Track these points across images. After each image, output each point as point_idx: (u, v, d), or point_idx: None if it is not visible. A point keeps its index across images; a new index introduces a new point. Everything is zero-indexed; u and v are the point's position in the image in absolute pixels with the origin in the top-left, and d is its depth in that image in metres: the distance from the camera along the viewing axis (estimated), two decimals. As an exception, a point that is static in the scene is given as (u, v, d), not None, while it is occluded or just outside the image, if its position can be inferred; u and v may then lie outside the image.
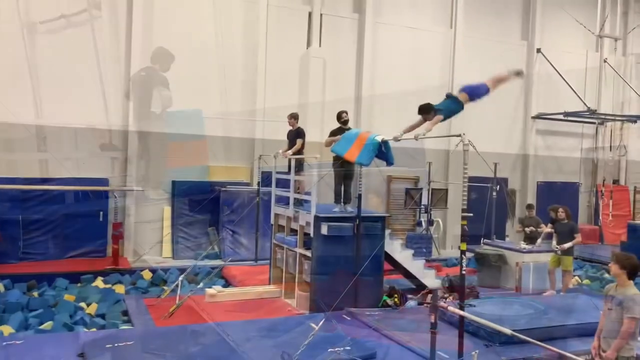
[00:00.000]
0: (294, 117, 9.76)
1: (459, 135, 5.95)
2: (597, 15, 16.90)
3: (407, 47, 15.29)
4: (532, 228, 10.95)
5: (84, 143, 12.12)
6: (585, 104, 16.28)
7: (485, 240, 11.54)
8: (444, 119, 7.16)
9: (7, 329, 7.12)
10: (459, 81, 15.76)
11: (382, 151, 7.83)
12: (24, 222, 11.37)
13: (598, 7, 16.83)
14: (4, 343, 6.14)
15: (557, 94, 16.99)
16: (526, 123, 17.09)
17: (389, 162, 8.00)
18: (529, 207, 11.75)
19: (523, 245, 10.53)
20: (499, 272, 10.41)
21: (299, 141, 9.38)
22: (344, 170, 8.80)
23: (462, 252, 5.85)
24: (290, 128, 9.74)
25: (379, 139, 7.73)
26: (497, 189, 12.74)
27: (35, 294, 9.30)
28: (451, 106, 7.28)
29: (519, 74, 7.83)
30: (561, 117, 16.69)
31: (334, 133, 8.97)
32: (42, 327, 7.34)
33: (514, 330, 5.27)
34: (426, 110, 7.17)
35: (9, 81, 11.50)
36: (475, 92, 7.47)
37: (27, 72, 11.60)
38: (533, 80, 16.95)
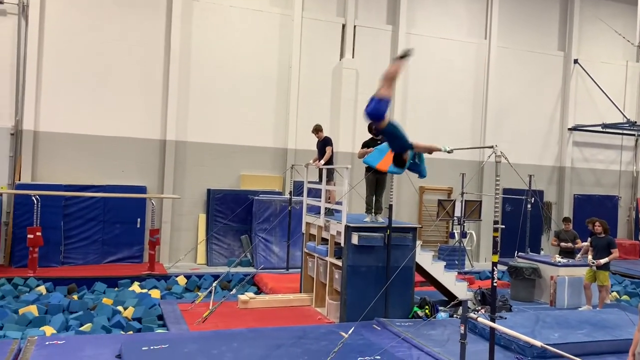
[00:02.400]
0: (317, 129, 9.84)
1: (492, 147, 5.95)
2: (637, 25, 16.53)
3: (441, 58, 15.28)
4: (569, 243, 10.75)
5: (123, 152, 12.53)
6: (624, 115, 15.92)
7: (519, 253, 11.38)
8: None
9: (49, 330, 7.41)
10: (493, 93, 15.70)
11: (416, 162, 7.79)
12: (65, 228, 11.80)
13: (638, 16, 16.46)
14: (47, 343, 6.39)
15: (595, 106, 16.69)
16: (562, 135, 16.81)
17: (422, 175, 7.91)
18: (566, 220, 11.53)
19: (558, 258, 10.34)
20: (532, 286, 10.24)
21: (328, 149, 9.47)
22: (376, 181, 8.85)
23: (494, 264, 5.83)
24: (317, 139, 9.84)
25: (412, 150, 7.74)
26: (532, 201, 12.55)
27: (76, 297, 9.62)
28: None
29: (405, 55, 6.40)
30: (599, 128, 16.35)
31: (366, 144, 9.01)
32: (81, 328, 7.59)
33: (546, 344, 5.21)
34: None
35: (56, 91, 12.02)
36: (373, 113, 6.38)
37: (76, 84, 12.11)
38: (570, 91, 16.69)
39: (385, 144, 8.22)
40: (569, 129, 16.72)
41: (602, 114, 16.33)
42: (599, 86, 16.22)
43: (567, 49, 16.73)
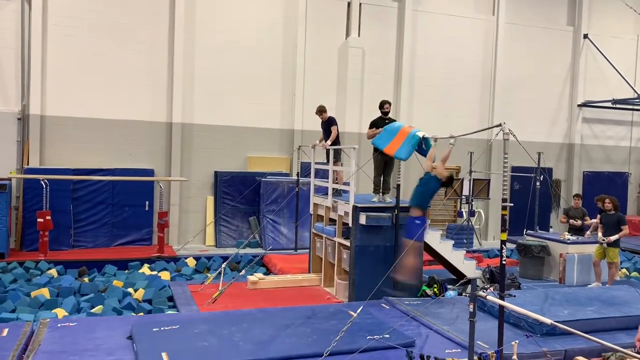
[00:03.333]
0: (321, 110, 9.75)
1: (499, 125, 5.87)
2: (649, -2, 16.24)
3: (448, 35, 15.08)
4: (578, 221, 10.69)
5: (130, 135, 12.53)
6: (635, 90, 15.69)
7: (528, 231, 11.34)
8: None
9: (61, 312, 7.50)
10: (501, 70, 15.51)
11: (422, 148, 7.88)
12: (74, 212, 11.87)
13: (650, -11, 16.17)
14: (59, 325, 6.46)
15: (605, 81, 16.45)
16: (572, 111, 16.62)
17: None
18: (576, 197, 11.43)
19: (567, 236, 10.30)
20: (542, 264, 10.22)
21: (333, 129, 9.40)
22: (384, 162, 8.80)
23: (503, 242, 5.80)
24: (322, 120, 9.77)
25: (420, 134, 7.80)
26: (541, 179, 12.47)
27: (86, 279, 9.72)
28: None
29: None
30: (609, 104, 16.13)
31: (374, 123, 8.97)
32: (93, 310, 7.68)
33: (556, 322, 5.20)
34: None
35: (62, 75, 11.99)
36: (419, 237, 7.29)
37: (81, 67, 12.07)
38: (580, 67, 16.45)
39: (394, 124, 8.26)
40: (579, 106, 16.52)
41: (612, 89, 16.10)
42: (609, 61, 15.97)
43: (577, 24, 16.44)
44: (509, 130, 5.77)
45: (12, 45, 11.67)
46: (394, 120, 9.09)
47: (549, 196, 14.90)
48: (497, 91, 15.51)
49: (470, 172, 13.25)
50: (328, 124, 9.57)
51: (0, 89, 11.67)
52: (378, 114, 9.15)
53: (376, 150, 8.61)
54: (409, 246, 6.67)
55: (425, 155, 7.99)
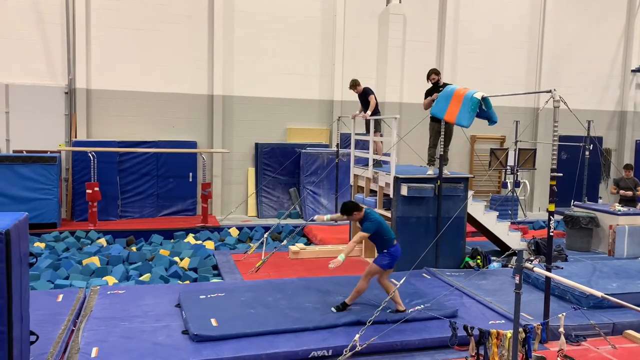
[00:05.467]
0: (354, 84, 9.43)
1: (549, 92, 5.64)
2: None
3: (493, 0, 14.52)
4: (629, 191, 10.29)
5: (173, 107, 12.71)
6: (695, 54, 14.82)
7: (576, 202, 10.99)
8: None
9: (111, 279, 7.79)
10: (549, 35, 14.87)
11: (483, 109, 7.27)
12: (120, 183, 12.22)
13: None
14: (108, 292, 6.71)
15: (662, 45, 15.58)
16: (625, 77, 15.85)
17: (492, 121, 7.44)
18: (627, 167, 10.97)
19: (618, 207, 9.93)
20: (590, 235, 9.92)
21: (371, 98, 9.15)
22: (437, 131, 8.30)
23: (550, 214, 5.64)
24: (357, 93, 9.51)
25: (478, 95, 7.15)
26: (591, 148, 12.01)
27: (134, 248, 10.04)
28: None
29: None
30: (666, 69, 15.32)
31: (429, 92, 8.53)
32: (141, 278, 7.94)
33: (605, 294, 5.06)
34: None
35: (105, 50, 12.21)
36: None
37: (124, 41, 12.25)
38: (634, 31, 15.59)
39: (448, 88, 7.72)
40: (632, 71, 15.74)
41: (669, 53, 15.27)
42: (667, 23, 15.10)
43: (632, -17, 15.55)
44: (560, 97, 5.53)
45: (58, 21, 11.92)
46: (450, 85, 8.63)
47: (598, 166, 14.41)
48: (544, 57, 14.91)
49: (516, 141, 12.89)
50: (365, 94, 9.33)
51: (47, 64, 11.99)
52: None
53: (433, 119, 8.28)
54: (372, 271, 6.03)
55: (487, 119, 7.36)
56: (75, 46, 11.99)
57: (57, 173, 11.03)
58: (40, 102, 11.90)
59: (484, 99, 7.21)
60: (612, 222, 9.64)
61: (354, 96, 9.72)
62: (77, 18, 11.90)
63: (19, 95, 11.76)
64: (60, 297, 6.41)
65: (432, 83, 8.54)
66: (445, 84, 8.29)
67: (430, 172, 8.40)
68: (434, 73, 8.54)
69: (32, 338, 4.44)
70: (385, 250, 6.05)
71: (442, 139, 8.20)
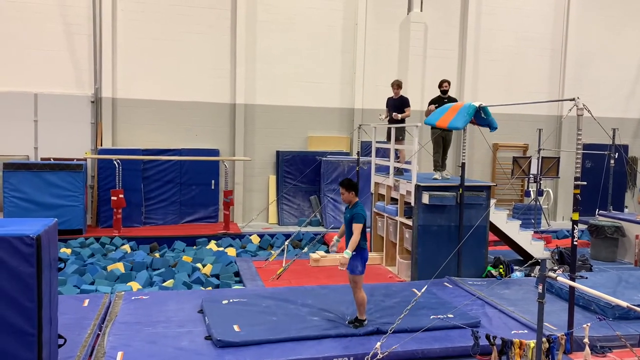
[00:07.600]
0: (399, 84, 9.53)
1: (573, 99, 5.60)
2: None
3: (515, 7, 14.46)
4: None
5: (196, 116, 12.89)
6: None
7: (600, 211, 10.83)
8: None
9: (135, 285, 7.91)
10: (573, 40, 14.71)
11: (482, 117, 7.62)
12: (144, 190, 12.41)
13: None
14: (133, 297, 6.82)
15: (690, 50, 15.29)
16: (651, 84, 15.59)
17: (493, 127, 7.80)
18: (653, 176, 10.82)
19: (644, 216, 9.77)
20: (615, 245, 9.77)
21: (408, 110, 9.27)
22: (441, 137, 8.78)
23: (574, 222, 5.58)
24: (392, 96, 9.59)
25: (476, 104, 7.62)
26: (616, 156, 11.82)
27: (157, 255, 10.18)
28: None
29: None
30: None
31: (433, 101, 8.97)
32: (164, 284, 8.04)
33: (632, 305, 4.97)
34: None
35: (130, 60, 12.46)
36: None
37: (149, 51, 12.49)
38: (661, 36, 15.36)
39: (447, 105, 8.09)
40: (659, 78, 15.47)
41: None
42: (694, 29, 14.82)
43: (658, -11, 15.32)
44: (583, 105, 5.49)
45: (85, 31, 12.21)
46: (455, 100, 8.91)
47: (624, 175, 14.16)
48: (568, 65, 14.75)
49: (539, 149, 12.75)
50: (402, 102, 9.35)
51: (75, 74, 12.27)
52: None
53: (434, 127, 8.52)
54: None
55: (488, 126, 7.78)
56: (101, 56, 12.26)
57: (83, 180, 11.25)
58: (67, 110, 12.18)
59: (483, 108, 7.58)
60: (639, 231, 9.47)
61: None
62: (104, 29, 12.18)
63: (47, 104, 12.06)
64: (87, 302, 6.53)
65: (442, 91, 9.00)
66: (450, 97, 8.92)
67: (437, 176, 8.80)
68: (446, 82, 9.10)
69: (60, 341, 4.55)
70: (355, 253, 5.97)
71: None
